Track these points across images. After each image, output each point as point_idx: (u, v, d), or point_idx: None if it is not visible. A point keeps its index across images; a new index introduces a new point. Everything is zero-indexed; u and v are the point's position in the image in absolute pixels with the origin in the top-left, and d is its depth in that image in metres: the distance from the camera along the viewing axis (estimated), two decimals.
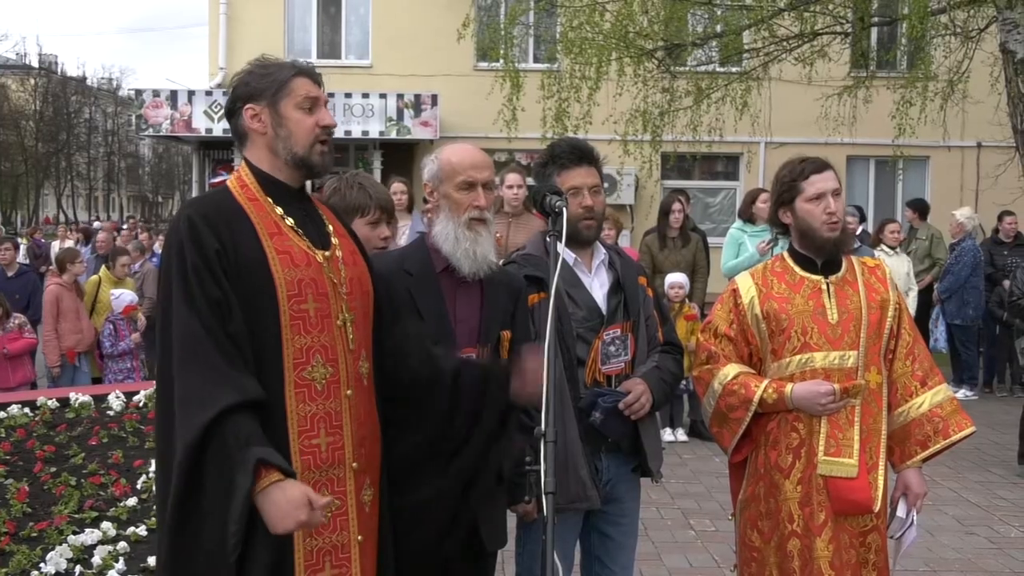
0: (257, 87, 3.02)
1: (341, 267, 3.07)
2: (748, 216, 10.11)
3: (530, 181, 5.72)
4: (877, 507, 3.78)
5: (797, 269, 3.89)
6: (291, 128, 3.01)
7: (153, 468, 5.54)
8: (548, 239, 3.24)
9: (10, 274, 11.18)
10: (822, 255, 3.86)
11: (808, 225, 3.82)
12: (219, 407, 2.69)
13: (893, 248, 11.23)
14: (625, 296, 3.97)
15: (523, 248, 4.13)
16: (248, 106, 3.02)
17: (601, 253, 4.04)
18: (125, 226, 26.08)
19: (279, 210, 3.01)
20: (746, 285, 3.92)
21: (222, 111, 18.11)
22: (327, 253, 3.04)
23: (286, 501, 2.66)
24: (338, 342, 2.99)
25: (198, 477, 2.73)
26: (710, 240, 11.30)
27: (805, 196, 3.80)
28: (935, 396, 3.84)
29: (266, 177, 3.05)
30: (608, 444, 3.90)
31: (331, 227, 3.15)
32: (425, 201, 3.86)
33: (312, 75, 3.08)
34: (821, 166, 3.84)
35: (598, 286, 3.97)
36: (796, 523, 3.77)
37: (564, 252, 4.02)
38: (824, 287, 3.83)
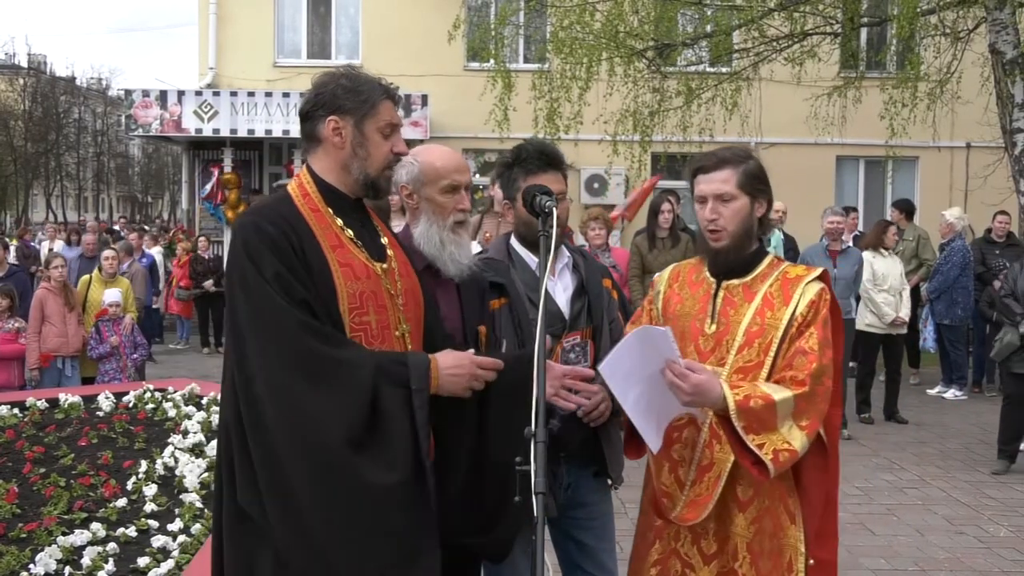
0: (346, 102, 3.03)
1: (397, 279, 3.12)
2: None
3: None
4: (699, 518, 3.35)
5: (705, 268, 3.54)
6: (370, 150, 3.06)
7: (143, 469, 5.54)
8: (540, 238, 3.22)
9: (0, 274, 11.14)
10: (714, 261, 3.47)
11: (699, 228, 3.50)
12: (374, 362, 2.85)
13: (888, 249, 11.25)
14: (589, 299, 3.95)
15: (485, 251, 4.12)
16: (332, 117, 3.03)
17: (565, 256, 4.03)
18: (117, 226, 25.98)
19: (339, 221, 3.04)
20: (662, 279, 3.70)
21: (212, 111, 18.14)
22: (384, 265, 3.08)
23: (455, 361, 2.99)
24: None
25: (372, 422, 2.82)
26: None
27: (694, 196, 3.48)
28: (774, 391, 3.20)
29: (328, 187, 3.07)
30: (570, 450, 3.83)
31: (386, 239, 3.19)
32: None
33: (396, 100, 3.14)
34: (712, 165, 3.42)
35: (561, 289, 3.95)
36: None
37: (527, 256, 4.02)
38: (713, 291, 3.45)
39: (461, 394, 3.01)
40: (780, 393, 3.16)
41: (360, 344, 2.93)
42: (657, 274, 3.77)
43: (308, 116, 3.08)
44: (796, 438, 3.17)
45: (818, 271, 3.47)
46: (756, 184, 3.42)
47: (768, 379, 3.27)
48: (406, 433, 2.84)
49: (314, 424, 2.76)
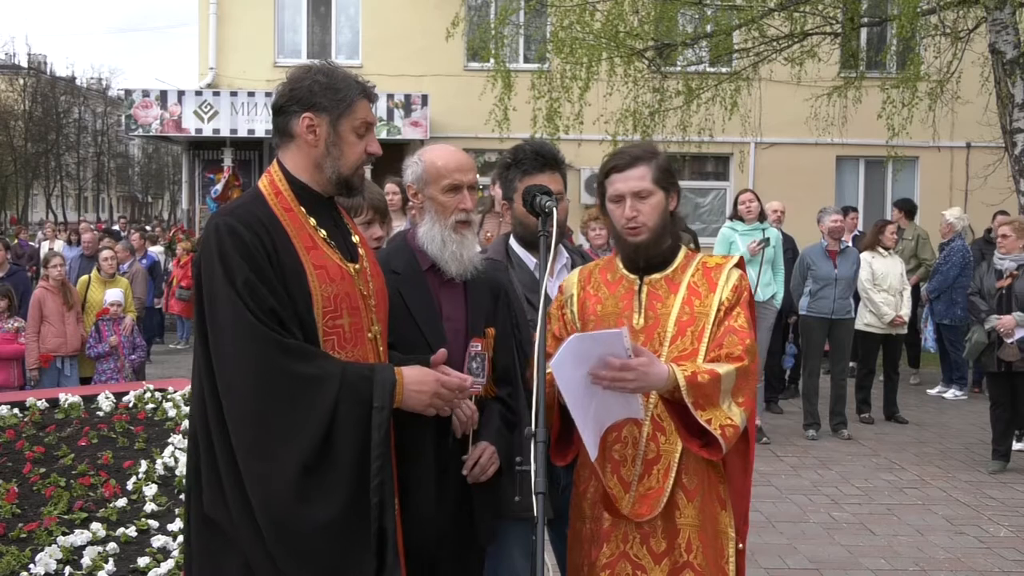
0: (322, 99, 2.96)
1: (369, 279, 3.08)
2: (740, 215, 10.15)
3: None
4: (655, 512, 3.32)
5: (620, 266, 3.52)
6: (344, 150, 3.00)
7: (143, 469, 5.53)
8: (540, 238, 3.21)
9: (0, 275, 11.14)
10: (633, 258, 3.47)
11: (613, 227, 3.50)
12: (337, 379, 2.79)
13: (887, 249, 11.23)
14: None
15: (483, 252, 4.12)
16: (307, 114, 2.95)
17: (563, 257, 4.03)
18: (116, 227, 25.97)
19: (312, 221, 2.97)
20: (570, 282, 3.62)
21: (212, 111, 18.13)
22: (357, 266, 3.04)
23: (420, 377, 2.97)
24: (370, 355, 3.01)
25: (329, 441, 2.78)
26: (700, 240, 11.32)
27: (608, 196, 3.47)
28: (716, 365, 3.21)
29: (301, 185, 3.01)
30: None
31: (356, 237, 3.15)
32: (405, 200, 3.80)
33: (372, 99, 3.08)
34: (626, 163, 3.43)
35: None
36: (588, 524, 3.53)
37: (525, 257, 4.02)
38: (636, 287, 3.45)
39: (423, 411, 2.98)
40: (723, 367, 3.18)
41: (328, 355, 2.87)
42: (562, 279, 3.72)
43: (281, 110, 3.00)
44: (736, 414, 3.20)
45: (736, 258, 3.53)
46: (668, 179, 3.48)
47: (703, 360, 3.28)
48: (355, 459, 2.79)
49: (270, 448, 2.72)
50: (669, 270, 3.45)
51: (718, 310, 3.34)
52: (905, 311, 11.10)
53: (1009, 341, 8.85)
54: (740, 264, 3.50)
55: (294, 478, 2.72)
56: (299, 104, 2.96)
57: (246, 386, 2.74)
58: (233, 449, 2.76)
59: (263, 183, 3.02)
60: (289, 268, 2.85)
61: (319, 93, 2.96)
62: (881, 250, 11.17)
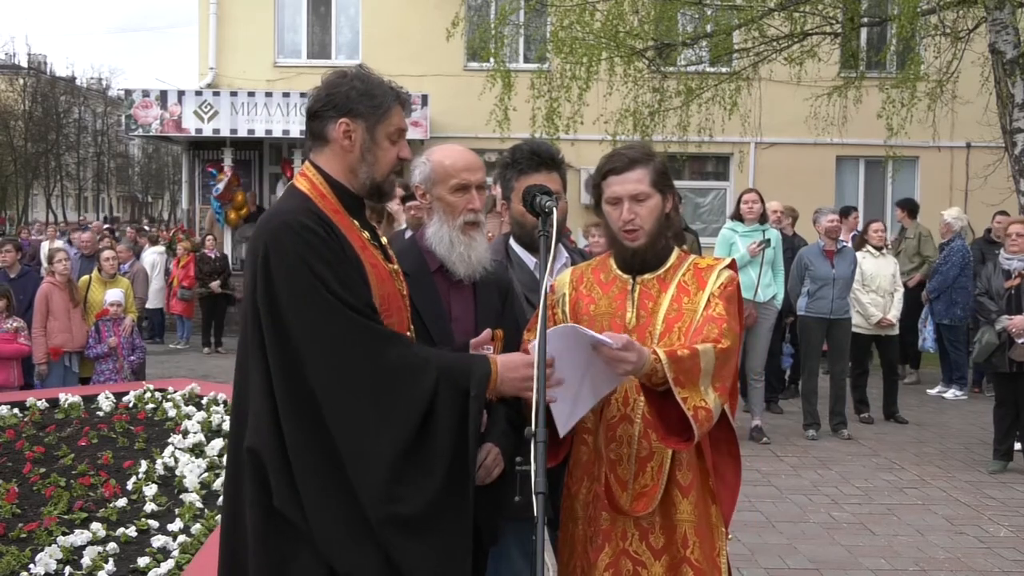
0: (358, 105, 2.98)
1: (403, 280, 3.13)
2: (741, 216, 10.15)
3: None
4: (651, 508, 3.32)
5: (613, 266, 3.53)
6: (378, 156, 3.03)
7: (143, 469, 5.53)
8: (540, 238, 3.20)
9: (12, 275, 11.12)
10: (629, 260, 3.47)
11: (609, 229, 3.50)
12: (434, 371, 2.84)
13: (879, 249, 11.21)
14: None
15: None
16: (343, 120, 2.98)
17: (563, 256, 4.02)
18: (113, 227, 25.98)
19: (356, 223, 3.00)
20: (562, 282, 3.62)
21: (212, 111, 18.11)
22: (395, 267, 3.09)
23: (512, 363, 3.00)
24: None
25: (428, 427, 2.83)
26: (701, 240, 11.32)
27: (604, 198, 3.46)
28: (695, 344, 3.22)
29: (341, 188, 3.02)
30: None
31: (384, 239, 3.18)
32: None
33: (407, 105, 3.11)
34: (624, 166, 3.42)
35: None
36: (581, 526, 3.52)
37: (525, 257, 4.01)
38: (630, 287, 3.47)
39: (521, 394, 3.03)
40: (701, 345, 3.19)
41: (418, 344, 2.98)
42: (555, 278, 3.70)
43: (317, 115, 3.03)
44: (711, 399, 3.19)
45: (727, 260, 3.54)
46: (665, 181, 3.46)
47: None
48: (449, 446, 2.85)
49: (372, 434, 2.76)
50: (662, 270, 3.47)
51: (705, 307, 3.36)
52: (894, 312, 11.07)
53: (1020, 341, 8.85)
54: (732, 266, 3.51)
55: (391, 461, 2.76)
56: (335, 110, 2.99)
57: (354, 376, 2.77)
58: (309, 447, 2.77)
59: (302, 185, 3.01)
60: (356, 267, 2.89)
61: (356, 99, 2.99)
62: (872, 249, 11.15)
